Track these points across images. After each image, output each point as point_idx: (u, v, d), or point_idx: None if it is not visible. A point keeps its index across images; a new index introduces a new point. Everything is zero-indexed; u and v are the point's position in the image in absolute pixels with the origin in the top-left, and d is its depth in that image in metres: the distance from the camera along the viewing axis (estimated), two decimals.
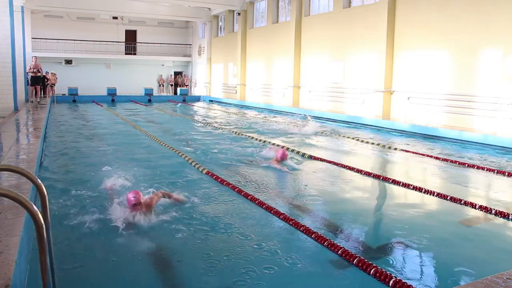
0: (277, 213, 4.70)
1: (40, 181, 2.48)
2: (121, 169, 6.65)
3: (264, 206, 4.96)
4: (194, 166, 7.15)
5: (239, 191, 5.59)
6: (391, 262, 3.59)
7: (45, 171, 6.63)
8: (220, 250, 3.75)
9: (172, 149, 8.73)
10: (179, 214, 4.64)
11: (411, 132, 12.05)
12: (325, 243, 3.84)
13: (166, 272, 3.48)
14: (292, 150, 8.82)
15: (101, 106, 21.35)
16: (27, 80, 19.27)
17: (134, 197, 4.39)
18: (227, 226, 4.38)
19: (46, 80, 23.84)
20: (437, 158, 8.47)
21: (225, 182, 6.02)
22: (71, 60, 30.80)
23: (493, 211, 4.87)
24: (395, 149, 9.54)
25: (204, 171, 6.72)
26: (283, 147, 9.07)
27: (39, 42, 28.49)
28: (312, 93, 18.94)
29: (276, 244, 3.88)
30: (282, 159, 7.21)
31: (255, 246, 3.83)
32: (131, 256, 3.63)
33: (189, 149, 9.04)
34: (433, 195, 5.63)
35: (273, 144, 9.60)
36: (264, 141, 10.11)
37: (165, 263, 3.63)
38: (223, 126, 13.24)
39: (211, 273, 3.32)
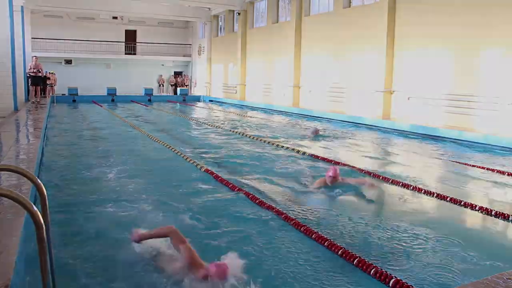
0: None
1: (40, 181, 2.48)
2: (123, 172, 6.65)
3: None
4: (190, 163, 7.16)
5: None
6: (390, 262, 3.59)
7: (45, 171, 6.62)
8: None
9: (171, 148, 8.73)
10: None
11: (411, 132, 12.04)
12: (325, 243, 3.84)
13: None
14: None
15: (101, 106, 21.35)
16: (27, 80, 19.23)
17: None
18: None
19: (47, 80, 23.82)
20: (437, 158, 8.47)
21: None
22: (71, 60, 30.81)
23: (493, 212, 4.87)
24: (395, 148, 9.54)
25: (209, 172, 6.71)
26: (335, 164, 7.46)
27: (39, 42, 28.47)
28: (312, 93, 18.93)
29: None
30: (335, 176, 6.04)
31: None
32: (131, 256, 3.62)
33: (188, 149, 9.04)
34: (433, 195, 5.63)
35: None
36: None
37: None
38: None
39: None
